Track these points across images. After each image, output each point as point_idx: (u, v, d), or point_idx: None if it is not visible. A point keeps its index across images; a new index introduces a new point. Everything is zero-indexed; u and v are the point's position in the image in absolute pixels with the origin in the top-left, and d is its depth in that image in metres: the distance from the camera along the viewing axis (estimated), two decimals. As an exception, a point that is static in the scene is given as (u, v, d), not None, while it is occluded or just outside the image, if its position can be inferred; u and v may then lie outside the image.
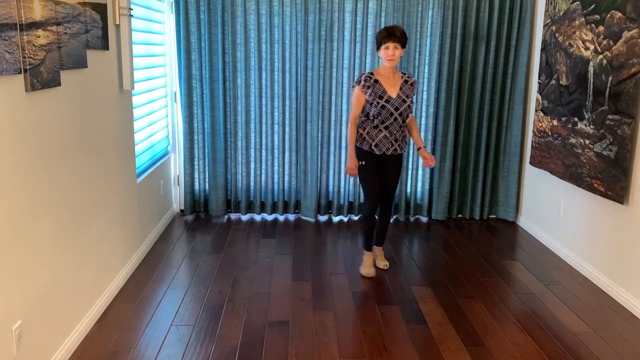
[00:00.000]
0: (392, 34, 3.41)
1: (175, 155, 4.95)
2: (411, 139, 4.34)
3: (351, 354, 2.77)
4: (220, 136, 4.79)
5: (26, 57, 2.20)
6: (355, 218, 5.02)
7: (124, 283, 3.51)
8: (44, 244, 2.45)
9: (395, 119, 3.50)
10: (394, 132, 3.53)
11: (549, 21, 4.31)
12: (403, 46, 3.45)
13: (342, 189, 4.98)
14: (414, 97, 3.76)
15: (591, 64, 3.70)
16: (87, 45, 2.87)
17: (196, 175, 4.92)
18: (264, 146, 4.87)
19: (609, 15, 3.51)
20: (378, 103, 3.46)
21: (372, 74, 3.52)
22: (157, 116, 4.51)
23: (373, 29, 4.65)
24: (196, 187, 4.95)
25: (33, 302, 2.36)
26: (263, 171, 4.91)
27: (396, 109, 3.48)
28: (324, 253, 4.14)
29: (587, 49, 3.76)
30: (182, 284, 3.55)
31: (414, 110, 4.81)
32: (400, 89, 3.52)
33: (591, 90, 3.69)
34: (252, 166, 4.91)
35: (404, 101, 3.51)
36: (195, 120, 4.78)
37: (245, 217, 4.97)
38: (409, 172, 4.96)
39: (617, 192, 3.42)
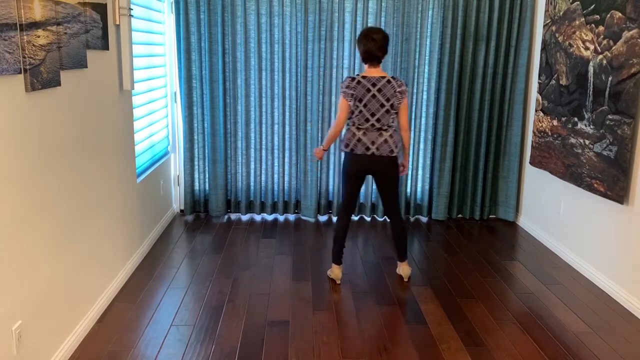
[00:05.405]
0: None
1: (175, 155, 4.95)
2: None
3: (351, 354, 2.77)
4: (220, 136, 4.79)
5: (26, 57, 2.20)
6: (356, 218, 5.02)
7: (124, 283, 3.51)
8: (44, 244, 2.45)
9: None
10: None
11: (549, 21, 4.31)
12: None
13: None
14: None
15: (591, 64, 3.70)
16: (87, 45, 2.87)
17: (196, 175, 4.92)
18: (264, 146, 4.87)
19: (609, 15, 3.51)
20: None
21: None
22: (157, 116, 4.51)
23: (373, 29, 4.65)
24: (196, 187, 4.95)
25: (33, 302, 2.36)
26: (263, 171, 4.92)
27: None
28: (324, 253, 4.14)
29: (587, 49, 3.76)
30: (182, 284, 3.55)
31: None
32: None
33: (591, 90, 3.69)
34: (252, 166, 4.91)
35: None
36: (195, 120, 4.78)
37: (245, 217, 4.97)
38: (410, 172, 4.95)
39: (617, 192, 3.42)
